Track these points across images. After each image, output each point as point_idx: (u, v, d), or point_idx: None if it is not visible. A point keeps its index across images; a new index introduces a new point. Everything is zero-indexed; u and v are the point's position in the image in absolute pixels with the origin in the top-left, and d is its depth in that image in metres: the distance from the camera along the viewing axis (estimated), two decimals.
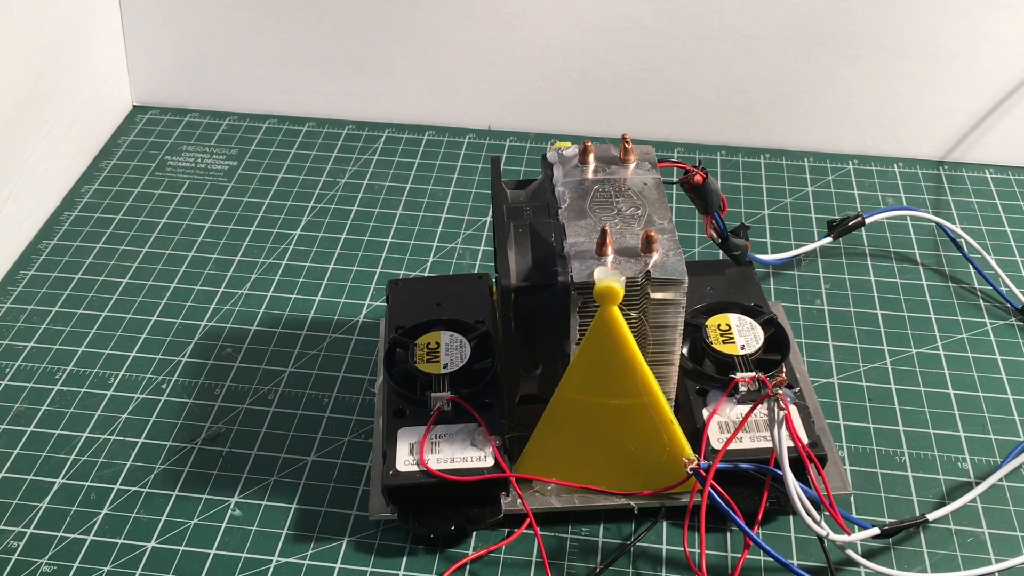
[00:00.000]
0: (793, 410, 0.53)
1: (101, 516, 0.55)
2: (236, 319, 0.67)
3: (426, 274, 0.71)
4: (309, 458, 0.58)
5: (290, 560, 0.53)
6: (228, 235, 0.74)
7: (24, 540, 0.54)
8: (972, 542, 0.53)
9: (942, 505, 0.55)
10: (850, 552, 0.51)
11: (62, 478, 0.57)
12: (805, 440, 0.52)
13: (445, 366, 0.55)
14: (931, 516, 0.54)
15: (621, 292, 0.47)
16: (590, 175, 0.54)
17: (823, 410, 0.60)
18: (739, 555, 0.52)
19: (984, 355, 0.64)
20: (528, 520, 0.53)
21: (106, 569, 0.53)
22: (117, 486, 0.57)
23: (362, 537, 0.54)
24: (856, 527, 0.52)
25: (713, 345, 0.56)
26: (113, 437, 0.60)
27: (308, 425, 0.60)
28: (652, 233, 0.49)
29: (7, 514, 0.55)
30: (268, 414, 0.61)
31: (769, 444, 0.51)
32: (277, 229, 0.75)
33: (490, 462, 0.52)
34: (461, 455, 0.52)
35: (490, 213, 0.67)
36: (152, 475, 0.57)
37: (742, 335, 0.56)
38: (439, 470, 0.51)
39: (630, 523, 0.55)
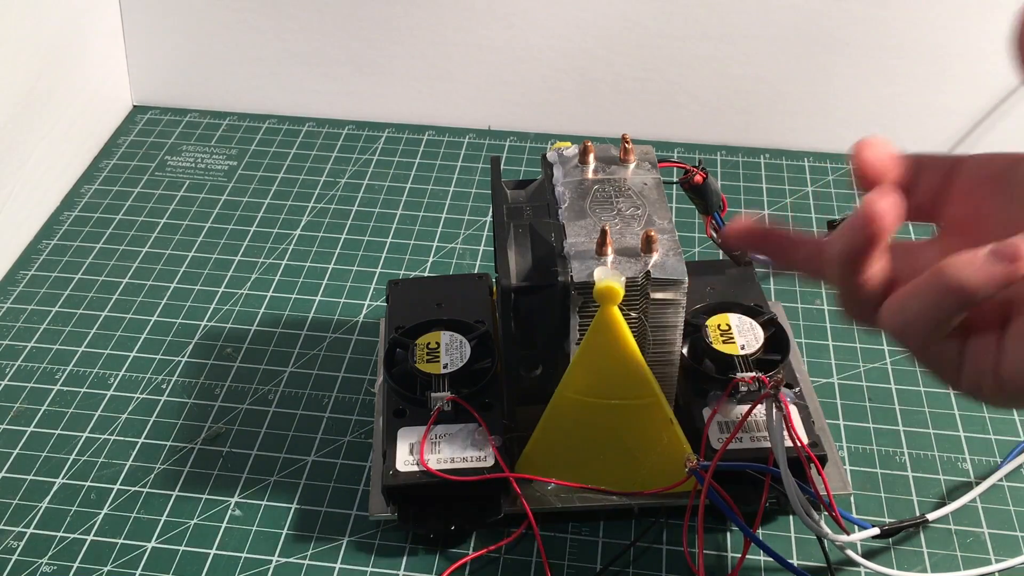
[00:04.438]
0: (793, 410, 0.53)
1: (101, 516, 0.55)
2: (236, 319, 0.67)
3: (426, 274, 0.71)
4: (309, 458, 0.58)
5: (290, 560, 0.53)
6: (228, 235, 0.74)
7: (24, 540, 0.54)
8: (972, 542, 0.54)
9: (942, 505, 0.55)
10: (850, 552, 0.51)
11: (62, 478, 0.57)
12: (805, 440, 0.52)
13: (445, 366, 0.55)
14: (931, 516, 0.54)
15: (621, 292, 0.47)
16: (590, 175, 0.54)
17: (823, 410, 0.60)
18: (739, 555, 0.52)
19: None
20: (528, 520, 0.53)
21: (106, 569, 0.53)
22: (117, 486, 0.57)
23: (362, 537, 0.54)
24: (856, 527, 0.52)
25: (713, 345, 0.56)
26: (113, 437, 0.60)
27: (308, 425, 0.60)
28: (652, 233, 0.49)
29: (7, 514, 0.55)
30: (268, 414, 0.61)
31: (769, 444, 0.51)
32: (277, 229, 0.75)
33: (490, 462, 0.52)
34: (461, 455, 0.52)
35: (490, 213, 0.67)
36: (152, 475, 0.57)
37: (742, 335, 0.56)
38: (439, 470, 0.51)
39: (630, 523, 0.55)
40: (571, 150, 0.56)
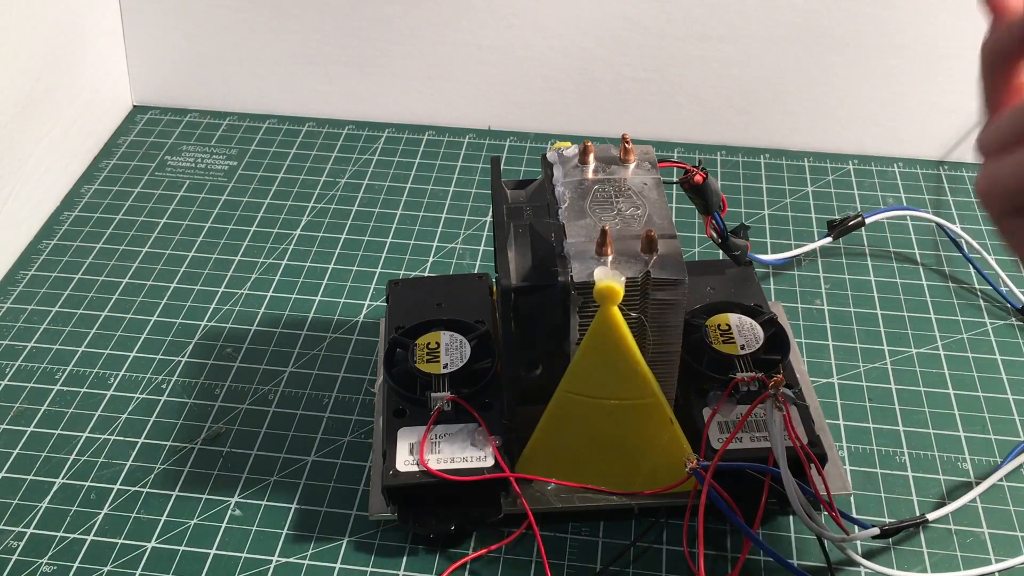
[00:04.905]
0: (793, 410, 0.53)
1: (101, 516, 0.55)
2: (236, 319, 0.67)
3: (426, 274, 0.71)
4: (309, 458, 0.58)
5: (290, 560, 0.53)
6: (228, 235, 0.74)
7: (24, 540, 0.54)
8: (972, 542, 0.54)
9: (942, 505, 0.55)
10: (850, 552, 0.51)
11: (62, 478, 0.57)
12: (804, 440, 0.52)
13: (445, 366, 0.55)
14: (931, 516, 0.54)
15: (621, 292, 0.47)
16: (590, 175, 0.54)
17: (823, 410, 0.60)
18: (739, 555, 0.52)
19: (984, 355, 0.64)
20: (528, 520, 0.53)
21: (106, 569, 0.53)
22: (117, 486, 0.57)
23: (362, 537, 0.54)
24: (856, 527, 0.52)
25: (713, 345, 0.56)
26: (113, 437, 0.60)
27: (308, 425, 0.60)
28: (652, 233, 0.49)
29: (7, 514, 0.55)
30: (268, 414, 0.61)
31: (769, 444, 0.51)
32: (277, 229, 0.75)
33: (490, 462, 0.52)
34: (461, 455, 0.52)
35: (490, 213, 0.67)
36: (152, 475, 0.57)
37: (742, 335, 0.56)
38: (439, 470, 0.51)
39: (630, 523, 0.55)
40: (571, 150, 0.56)
